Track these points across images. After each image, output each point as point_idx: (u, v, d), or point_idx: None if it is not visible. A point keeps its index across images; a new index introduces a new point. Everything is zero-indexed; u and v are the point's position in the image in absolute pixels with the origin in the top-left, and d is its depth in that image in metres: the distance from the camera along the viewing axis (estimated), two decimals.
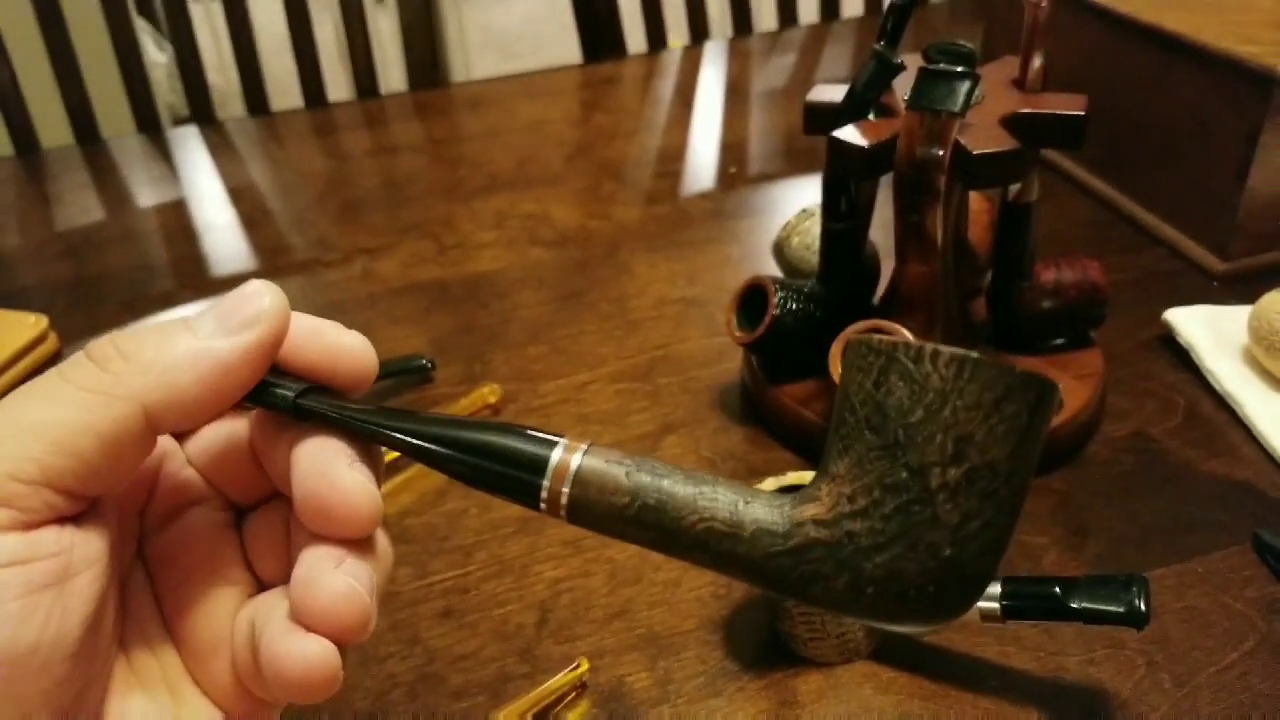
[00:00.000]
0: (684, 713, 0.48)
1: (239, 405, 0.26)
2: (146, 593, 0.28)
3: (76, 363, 0.25)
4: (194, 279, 0.85)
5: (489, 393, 0.67)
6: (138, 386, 0.24)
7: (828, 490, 0.23)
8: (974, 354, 0.22)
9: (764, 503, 0.23)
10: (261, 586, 0.29)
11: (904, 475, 0.21)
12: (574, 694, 0.49)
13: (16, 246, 0.90)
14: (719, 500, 0.23)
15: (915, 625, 0.21)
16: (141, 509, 0.29)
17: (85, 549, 0.24)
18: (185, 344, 0.25)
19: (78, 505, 0.24)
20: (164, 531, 0.29)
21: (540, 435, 0.24)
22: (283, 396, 0.26)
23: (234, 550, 0.29)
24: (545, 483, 0.24)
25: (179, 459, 0.29)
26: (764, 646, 0.51)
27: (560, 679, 0.48)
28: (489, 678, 0.50)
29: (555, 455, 0.24)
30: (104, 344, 0.25)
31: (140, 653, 0.27)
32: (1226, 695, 0.48)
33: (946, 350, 0.22)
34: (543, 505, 0.24)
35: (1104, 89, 0.81)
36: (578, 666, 0.49)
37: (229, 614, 0.28)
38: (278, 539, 0.29)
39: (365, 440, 0.26)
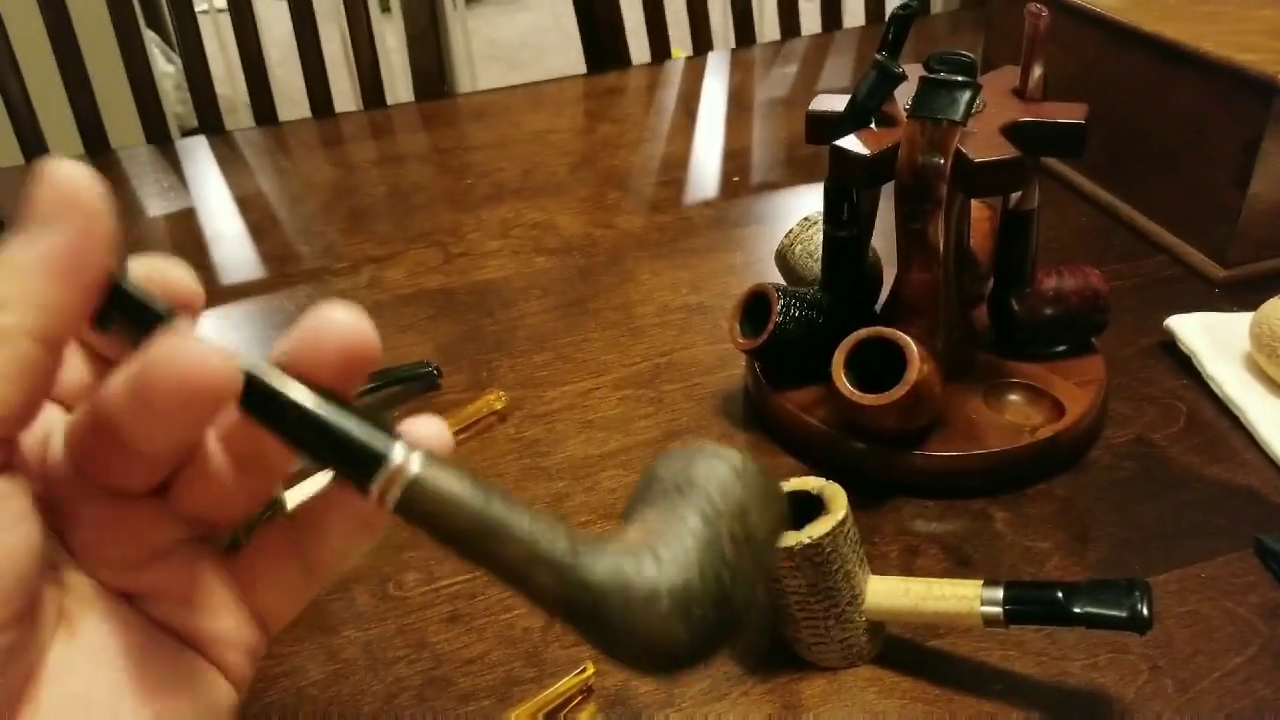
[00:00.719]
0: (689, 716, 0.48)
1: (107, 326, 0.25)
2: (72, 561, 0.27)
3: None
4: (203, 288, 0.85)
5: (495, 399, 0.67)
6: (27, 319, 0.23)
7: (635, 530, 0.26)
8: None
9: (579, 537, 0.25)
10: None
11: (703, 522, 0.26)
12: (580, 697, 0.49)
13: None
14: (539, 528, 0.25)
15: (680, 653, 0.25)
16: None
17: (24, 494, 0.23)
18: (25, 251, 0.23)
19: (5, 452, 0.23)
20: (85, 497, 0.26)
21: (378, 431, 0.25)
22: (157, 312, 0.25)
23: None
24: (379, 477, 0.24)
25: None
26: (768, 651, 0.51)
27: (567, 682, 0.49)
28: (496, 681, 0.50)
29: (395, 455, 0.25)
30: None
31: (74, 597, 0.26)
32: (1230, 700, 0.48)
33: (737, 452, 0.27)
34: (371, 494, 0.25)
35: (1104, 97, 0.81)
36: (584, 670, 0.49)
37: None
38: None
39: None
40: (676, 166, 1.01)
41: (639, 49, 1.31)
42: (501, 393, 0.68)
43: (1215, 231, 0.76)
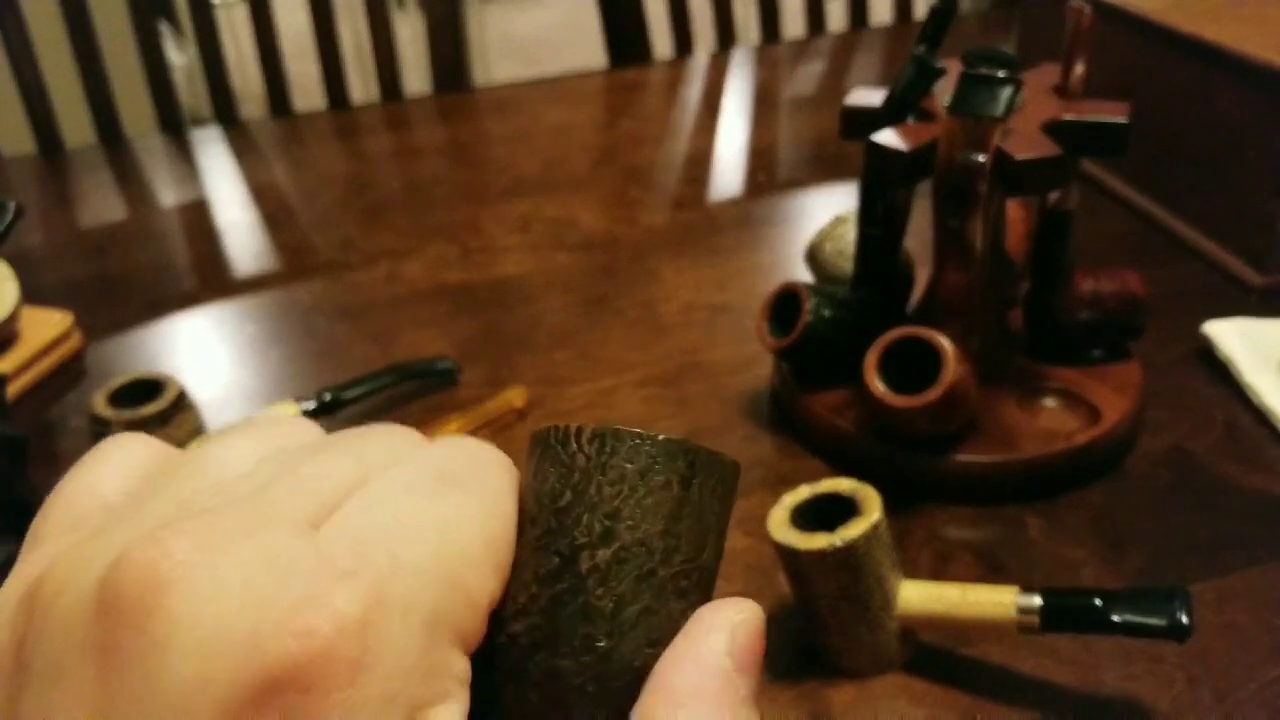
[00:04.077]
0: None
1: None
2: None
3: None
4: (216, 278, 0.85)
5: (515, 396, 0.66)
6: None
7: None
8: (618, 427, 0.21)
9: None
10: None
11: (556, 563, 0.20)
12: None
13: (41, 244, 0.90)
14: None
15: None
16: None
17: None
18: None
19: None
20: None
21: None
22: None
23: None
24: None
25: None
26: (796, 656, 0.50)
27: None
28: None
29: None
30: None
31: None
32: (1268, 713, 0.46)
33: (590, 427, 0.21)
34: None
35: (1142, 101, 0.79)
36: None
37: None
38: None
39: None
40: (700, 163, 1.00)
41: (662, 45, 1.29)
42: (521, 389, 0.67)
43: (1254, 238, 0.75)
